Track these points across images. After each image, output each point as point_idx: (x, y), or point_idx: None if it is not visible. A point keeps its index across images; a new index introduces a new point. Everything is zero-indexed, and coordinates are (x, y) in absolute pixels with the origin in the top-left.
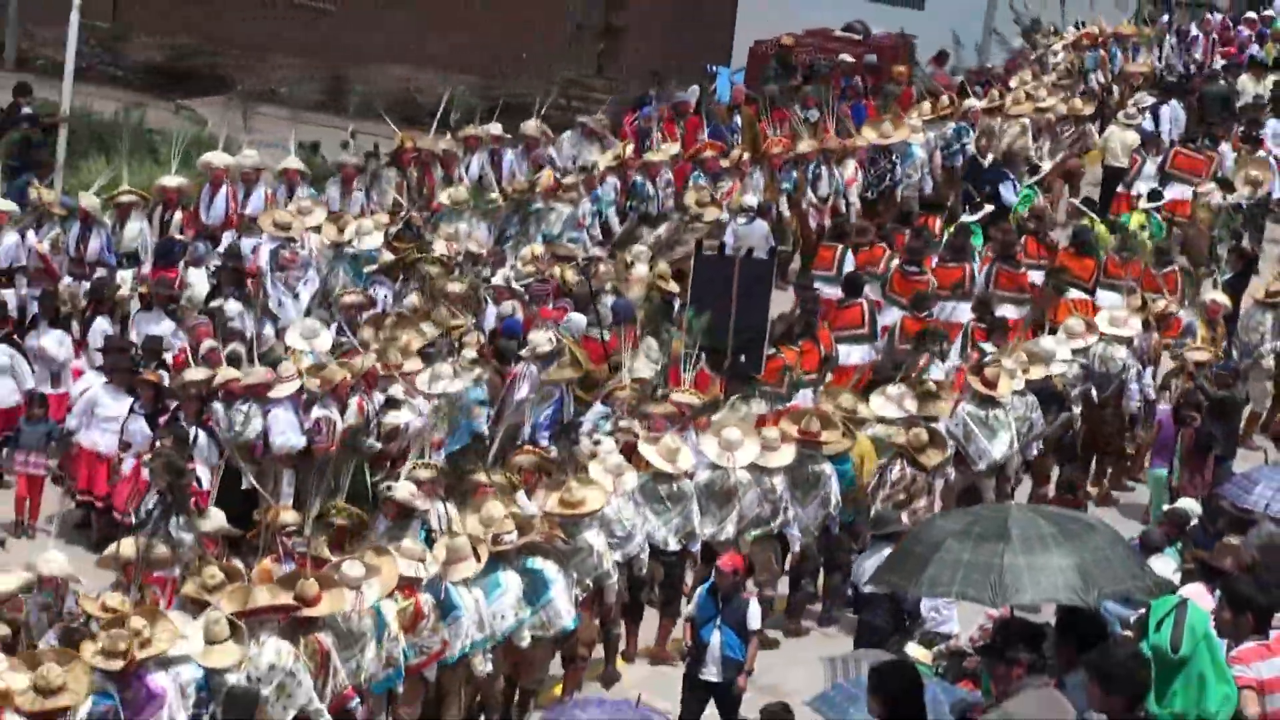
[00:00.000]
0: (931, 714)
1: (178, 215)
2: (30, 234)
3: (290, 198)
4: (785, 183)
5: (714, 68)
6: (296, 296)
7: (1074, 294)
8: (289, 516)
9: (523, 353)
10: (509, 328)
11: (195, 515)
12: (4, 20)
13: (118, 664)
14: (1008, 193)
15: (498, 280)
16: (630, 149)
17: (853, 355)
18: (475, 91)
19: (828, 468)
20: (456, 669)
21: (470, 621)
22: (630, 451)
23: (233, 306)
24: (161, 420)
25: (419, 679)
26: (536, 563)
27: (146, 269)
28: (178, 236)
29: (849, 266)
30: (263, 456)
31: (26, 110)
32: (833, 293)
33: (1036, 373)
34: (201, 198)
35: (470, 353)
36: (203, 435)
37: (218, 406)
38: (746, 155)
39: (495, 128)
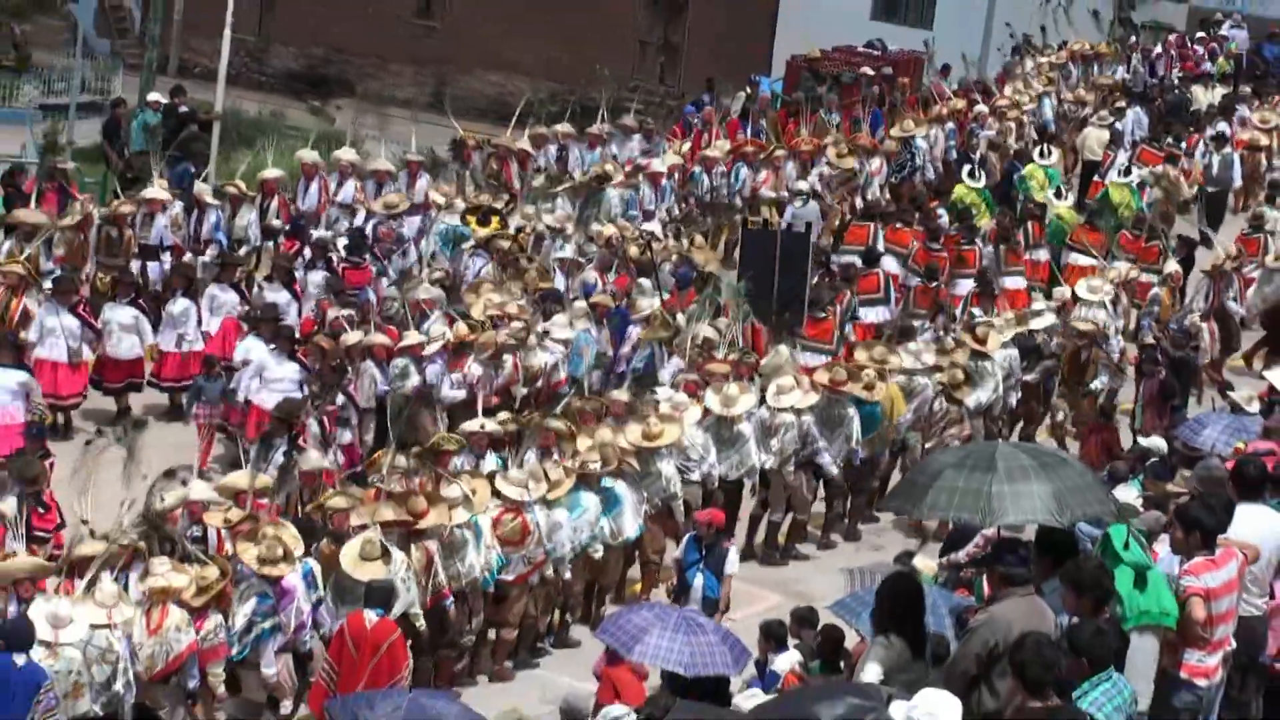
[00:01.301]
0: (931, 616)
1: (274, 203)
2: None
3: (379, 192)
4: (813, 173)
5: (756, 77)
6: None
7: (1085, 260)
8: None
9: (633, 316)
10: (587, 291)
11: (301, 453)
12: (169, 35)
13: (284, 569)
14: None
15: (567, 253)
16: (687, 146)
17: (869, 315)
18: (556, 96)
19: (851, 410)
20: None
21: (543, 534)
22: (693, 393)
23: (315, 278)
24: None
25: (524, 585)
26: (609, 481)
27: (244, 250)
28: (275, 222)
29: (881, 241)
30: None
31: (184, 109)
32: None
33: (1018, 330)
34: (298, 188)
35: (582, 304)
36: (340, 396)
37: (370, 365)
38: (781, 152)
39: (564, 126)
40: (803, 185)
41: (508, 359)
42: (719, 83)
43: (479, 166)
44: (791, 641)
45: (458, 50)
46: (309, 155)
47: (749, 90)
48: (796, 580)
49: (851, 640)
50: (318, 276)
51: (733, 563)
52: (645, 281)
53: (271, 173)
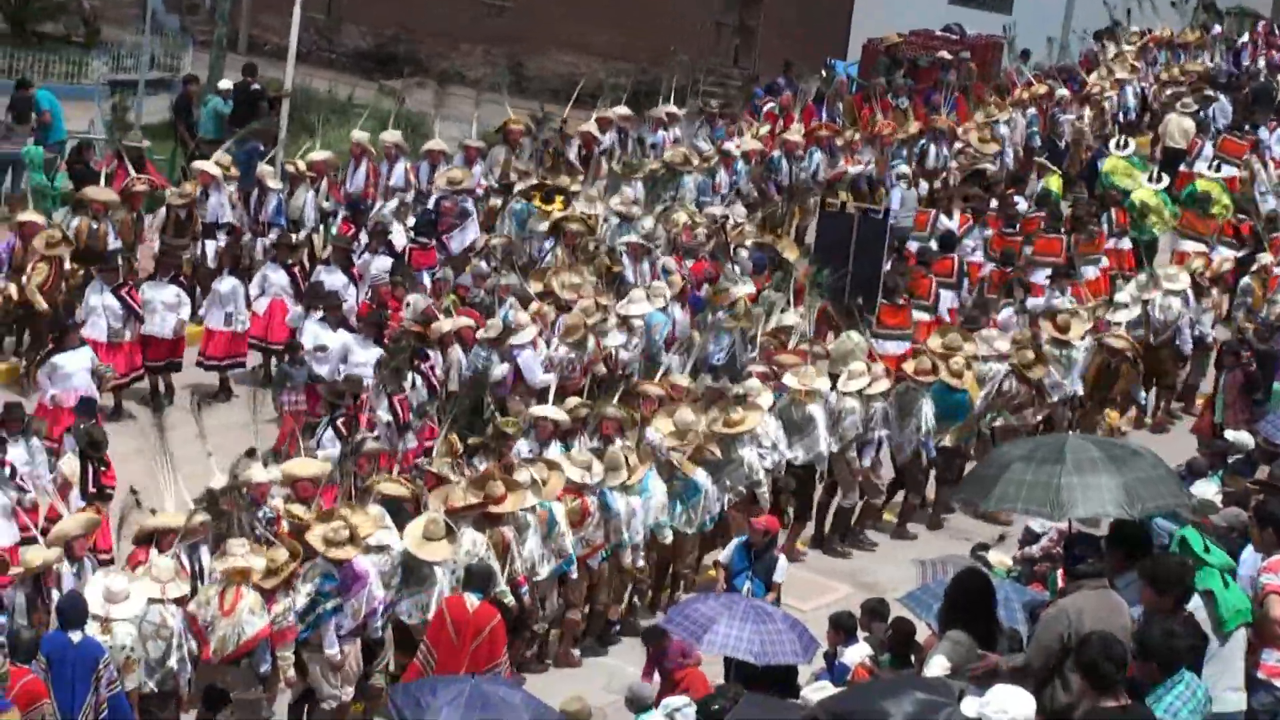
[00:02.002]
0: (1003, 611)
1: (324, 184)
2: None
3: (433, 173)
4: (896, 159)
5: (832, 61)
6: (457, 241)
7: (1196, 247)
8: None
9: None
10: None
11: (354, 435)
12: (239, 12)
13: (349, 552)
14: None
15: (633, 238)
16: (765, 130)
17: (943, 300)
18: (625, 77)
19: (924, 400)
20: (609, 560)
21: (622, 521)
22: (765, 379)
23: (380, 263)
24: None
25: (585, 568)
26: (689, 468)
27: (303, 234)
28: (327, 204)
29: (942, 227)
30: (510, 394)
31: (255, 87)
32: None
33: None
34: (347, 170)
35: (661, 285)
36: (419, 379)
37: (458, 351)
38: (856, 135)
39: (623, 110)
40: (904, 169)
41: (590, 341)
42: (796, 66)
43: (527, 149)
44: (861, 634)
45: (529, 30)
46: (358, 136)
47: (824, 74)
48: (866, 571)
49: (923, 634)
50: (382, 261)
51: (781, 570)
52: (731, 267)
53: (320, 154)
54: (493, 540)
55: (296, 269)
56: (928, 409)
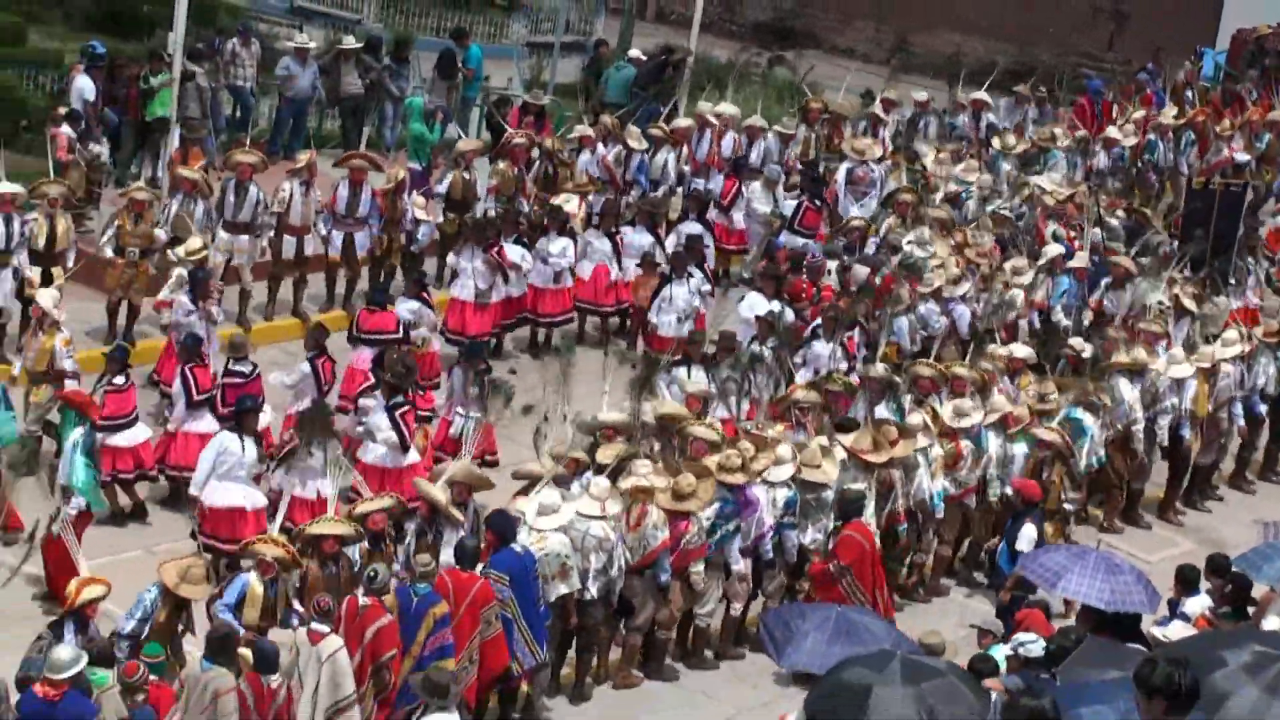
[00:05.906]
0: None
1: (684, 150)
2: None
3: (750, 146)
4: (1259, 143)
5: (1202, 49)
6: (863, 207)
7: None
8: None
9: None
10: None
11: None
12: None
13: (738, 478)
14: None
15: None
16: (1141, 114)
17: None
18: (1007, 56)
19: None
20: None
21: (992, 460)
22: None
23: (691, 229)
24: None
25: (958, 506)
26: (1076, 412)
27: (659, 192)
28: (686, 168)
29: None
30: (943, 345)
31: (663, 58)
32: None
33: None
34: (691, 140)
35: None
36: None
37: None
38: (1227, 123)
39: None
40: None
41: (1016, 295)
42: (1164, 51)
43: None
44: (1204, 585)
45: (922, 7)
46: (704, 106)
47: (1192, 62)
48: (1210, 528)
49: (1260, 590)
50: (693, 228)
51: (1026, 538)
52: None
53: (683, 122)
54: (879, 479)
55: (619, 237)
56: (1272, 368)
